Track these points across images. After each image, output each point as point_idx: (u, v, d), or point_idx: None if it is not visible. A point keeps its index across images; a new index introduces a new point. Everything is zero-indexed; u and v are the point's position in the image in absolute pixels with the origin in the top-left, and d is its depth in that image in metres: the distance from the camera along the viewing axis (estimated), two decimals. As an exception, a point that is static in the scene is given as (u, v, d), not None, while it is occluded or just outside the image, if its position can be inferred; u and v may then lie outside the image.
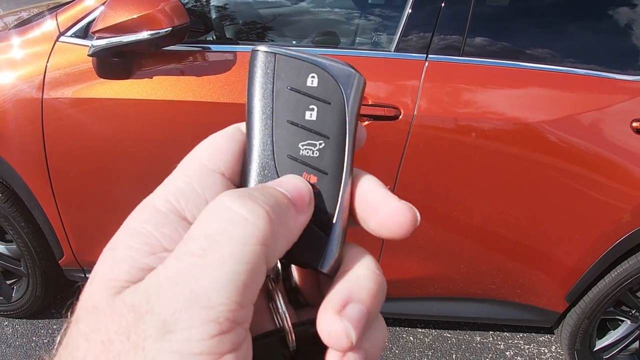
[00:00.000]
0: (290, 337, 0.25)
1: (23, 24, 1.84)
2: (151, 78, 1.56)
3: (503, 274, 1.86)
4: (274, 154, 0.26)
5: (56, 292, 2.17)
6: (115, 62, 1.56)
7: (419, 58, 1.60)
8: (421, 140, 1.59)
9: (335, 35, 2.08)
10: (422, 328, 2.30)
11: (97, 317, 0.21)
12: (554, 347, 2.26)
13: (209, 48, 1.62)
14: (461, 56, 1.60)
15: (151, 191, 0.25)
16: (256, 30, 2.11)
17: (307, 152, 0.26)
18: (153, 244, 0.23)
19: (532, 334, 2.32)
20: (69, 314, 0.23)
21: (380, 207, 0.26)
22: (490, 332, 2.30)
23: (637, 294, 1.92)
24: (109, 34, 1.46)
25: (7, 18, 2.21)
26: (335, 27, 2.11)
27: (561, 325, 2.04)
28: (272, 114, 0.26)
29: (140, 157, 1.65)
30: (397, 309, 2.01)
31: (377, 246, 1.76)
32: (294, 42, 2.03)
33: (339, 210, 0.26)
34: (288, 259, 0.25)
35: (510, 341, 2.27)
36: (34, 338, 2.10)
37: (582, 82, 1.62)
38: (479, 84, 1.62)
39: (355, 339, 0.23)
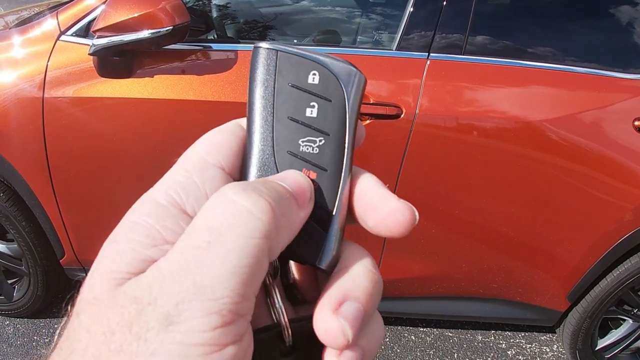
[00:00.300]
0: (286, 333, 0.25)
1: (24, 23, 1.84)
2: (152, 77, 1.56)
3: (505, 273, 1.85)
4: (274, 149, 0.26)
5: (57, 292, 2.17)
6: (116, 61, 1.56)
7: (421, 57, 1.59)
8: (423, 139, 1.59)
9: (336, 33, 2.07)
10: (423, 327, 2.30)
11: (98, 309, 0.21)
12: (555, 346, 2.26)
13: (210, 47, 1.62)
14: (463, 55, 1.60)
15: None
16: (257, 29, 2.10)
17: (307, 149, 0.26)
18: (155, 237, 0.23)
19: (534, 333, 2.32)
20: (69, 307, 0.23)
21: (379, 205, 0.26)
22: (492, 331, 2.30)
23: (639, 293, 1.92)
24: (110, 33, 1.46)
25: (8, 17, 2.21)
26: (337, 26, 2.11)
27: (563, 324, 2.03)
28: (273, 110, 0.26)
29: (141, 156, 1.65)
30: (399, 308, 2.01)
31: (379, 245, 1.76)
32: (295, 41, 2.02)
33: (337, 207, 0.26)
34: (287, 254, 0.25)
35: (512, 340, 2.27)
36: (35, 337, 2.10)
37: (584, 80, 1.61)
38: (480, 82, 1.61)
39: (352, 337, 0.23)
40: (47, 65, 1.58)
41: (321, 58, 0.27)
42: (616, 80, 1.62)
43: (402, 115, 1.56)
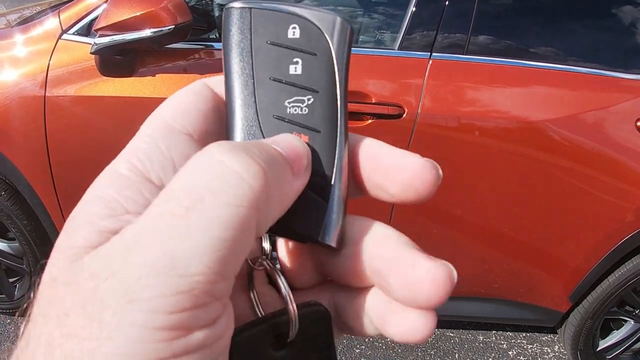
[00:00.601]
0: (293, 324, 0.22)
1: (26, 22, 1.84)
2: (154, 76, 1.56)
3: (506, 274, 1.85)
4: (258, 115, 0.23)
5: (58, 290, 2.17)
6: (117, 60, 1.56)
7: (423, 56, 1.59)
8: (425, 139, 1.58)
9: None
10: (424, 327, 2.29)
11: (56, 290, 0.19)
12: (557, 346, 2.26)
13: (212, 46, 1.62)
14: (465, 54, 1.60)
15: None
16: (259, 28, 2.10)
17: (295, 110, 0.23)
18: (114, 207, 0.20)
19: (535, 333, 2.32)
20: (32, 294, 0.20)
21: (405, 165, 0.23)
22: (493, 332, 2.30)
23: (641, 293, 1.91)
24: (112, 32, 1.46)
25: (10, 16, 2.21)
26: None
27: (564, 325, 2.03)
28: (253, 73, 0.23)
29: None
30: (400, 308, 2.00)
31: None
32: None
33: (337, 173, 0.23)
34: (281, 231, 0.22)
35: (513, 341, 2.27)
36: (36, 336, 2.10)
37: (587, 81, 1.61)
38: (482, 82, 1.61)
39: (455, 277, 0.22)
40: (48, 63, 1.58)
41: (299, 10, 0.24)
42: (618, 80, 1.62)
43: (404, 115, 1.56)
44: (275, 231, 0.23)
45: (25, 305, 0.21)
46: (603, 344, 2.05)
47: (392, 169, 0.24)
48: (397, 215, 1.66)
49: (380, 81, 1.59)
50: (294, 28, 0.23)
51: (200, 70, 1.58)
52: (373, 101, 1.55)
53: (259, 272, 0.26)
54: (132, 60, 1.56)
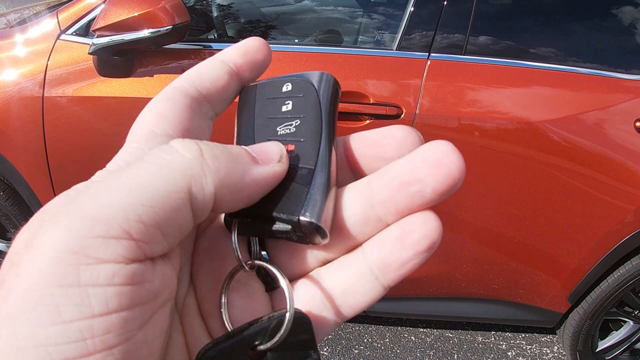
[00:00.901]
0: (285, 327, 0.23)
1: (24, 22, 1.84)
2: (152, 76, 1.56)
3: (505, 274, 1.85)
4: (254, 140, 0.27)
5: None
6: (116, 61, 1.56)
7: (421, 57, 1.59)
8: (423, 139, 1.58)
9: (337, 33, 2.07)
10: (424, 328, 2.29)
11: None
12: (556, 347, 2.25)
13: (210, 46, 1.62)
14: (464, 55, 1.59)
15: None
16: (258, 28, 2.10)
17: (284, 131, 0.27)
18: None
19: (535, 334, 2.31)
20: None
21: (391, 131, 0.26)
22: (493, 332, 2.30)
23: (639, 294, 1.91)
24: (110, 32, 1.46)
25: (9, 16, 2.21)
26: (338, 26, 2.10)
27: (563, 325, 2.03)
28: (254, 118, 0.28)
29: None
30: (399, 309, 2.01)
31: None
32: (296, 41, 2.02)
33: (320, 164, 0.25)
34: (264, 217, 0.24)
35: (512, 341, 2.26)
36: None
37: (586, 81, 1.61)
38: (481, 82, 1.61)
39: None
40: (47, 64, 1.58)
41: (294, 74, 0.29)
42: (618, 81, 1.62)
43: (403, 116, 1.55)
44: (262, 229, 0.24)
45: None
46: (602, 344, 2.05)
47: (382, 137, 0.26)
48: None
49: (378, 81, 1.59)
50: (287, 85, 0.28)
51: (198, 70, 1.57)
52: (371, 101, 1.55)
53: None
54: (130, 61, 1.56)
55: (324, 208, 0.24)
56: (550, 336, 2.31)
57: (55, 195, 1.38)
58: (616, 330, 2.05)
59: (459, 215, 1.72)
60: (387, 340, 2.21)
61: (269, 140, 0.26)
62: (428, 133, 1.58)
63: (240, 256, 0.25)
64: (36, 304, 0.18)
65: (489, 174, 1.63)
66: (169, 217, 0.20)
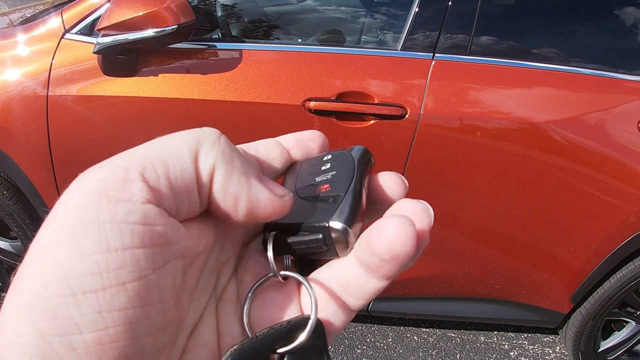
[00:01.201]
0: (308, 331, 0.25)
1: (28, 21, 1.84)
2: (156, 76, 1.56)
3: (508, 274, 1.85)
4: (296, 191, 0.30)
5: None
6: (120, 60, 1.56)
7: (426, 57, 1.59)
8: (427, 140, 1.58)
9: (340, 33, 2.07)
10: (426, 327, 2.29)
11: None
12: (558, 347, 2.26)
13: (215, 46, 1.62)
14: (468, 55, 1.59)
15: None
16: (262, 28, 2.10)
17: (321, 179, 0.29)
18: None
19: (537, 334, 2.32)
20: None
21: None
22: (495, 332, 2.30)
23: (642, 295, 1.91)
24: (115, 32, 1.46)
25: (13, 15, 2.21)
26: (341, 26, 2.11)
27: (566, 326, 2.03)
28: (297, 176, 0.31)
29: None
30: (402, 309, 2.01)
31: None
32: (299, 40, 2.02)
33: (351, 189, 0.27)
34: (297, 228, 0.26)
35: (514, 341, 2.27)
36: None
37: (589, 82, 1.61)
38: (485, 83, 1.61)
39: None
40: (51, 63, 1.58)
41: (332, 150, 0.32)
42: (621, 81, 1.62)
43: (407, 116, 1.56)
44: (294, 244, 0.26)
45: None
46: (604, 345, 2.05)
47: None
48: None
49: (382, 82, 1.59)
50: (328, 155, 0.32)
51: (202, 70, 1.57)
52: (376, 102, 1.55)
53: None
54: (134, 60, 1.56)
55: (352, 216, 0.26)
56: (553, 336, 2.31)
57: (59, 194, 1.38)
58: (618, 331, 2.06)
59: (461, 215, 1.72)
60: (390, 340, 2.21)
61: (308, 186, 0.29)
62: (432, 133, 1.58)
63: (274, 266, 0.27)
64: (61, 238, 0.20)
65: (492, 174, 1.63)
66: (177, 173, 0.23)
